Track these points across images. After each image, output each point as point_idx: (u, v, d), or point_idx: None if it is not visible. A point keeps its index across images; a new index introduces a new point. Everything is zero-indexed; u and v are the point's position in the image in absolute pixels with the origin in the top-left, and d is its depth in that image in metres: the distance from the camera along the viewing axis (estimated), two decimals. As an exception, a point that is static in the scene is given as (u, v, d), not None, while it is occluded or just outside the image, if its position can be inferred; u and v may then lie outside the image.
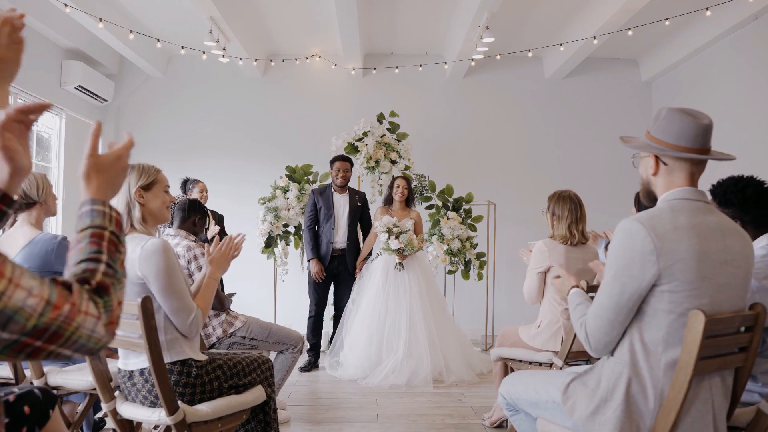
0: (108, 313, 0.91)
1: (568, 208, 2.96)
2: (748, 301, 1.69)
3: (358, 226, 5.05)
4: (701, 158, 1.61)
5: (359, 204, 4.95)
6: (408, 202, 4.88)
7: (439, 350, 4.45)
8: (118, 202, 2.03)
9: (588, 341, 1.65)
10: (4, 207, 1.03)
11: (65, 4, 4.31)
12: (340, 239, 4.84)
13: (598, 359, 1.72)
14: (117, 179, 1.12)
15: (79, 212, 1.02)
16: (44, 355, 0.85)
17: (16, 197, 1.04)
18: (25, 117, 1.03)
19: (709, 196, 2.10)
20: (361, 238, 5.11)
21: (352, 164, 4.96)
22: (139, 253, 1.95)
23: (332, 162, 4.89)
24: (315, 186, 5.40)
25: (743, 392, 1.79)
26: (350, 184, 5.02)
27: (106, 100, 6.17)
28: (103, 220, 1.02)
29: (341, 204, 4.86)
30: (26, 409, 1.46)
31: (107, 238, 1.00)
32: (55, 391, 2.31)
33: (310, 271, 4.86)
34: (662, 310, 1.53)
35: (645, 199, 1.74)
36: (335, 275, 4.91)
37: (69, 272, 0.96)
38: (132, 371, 2.05)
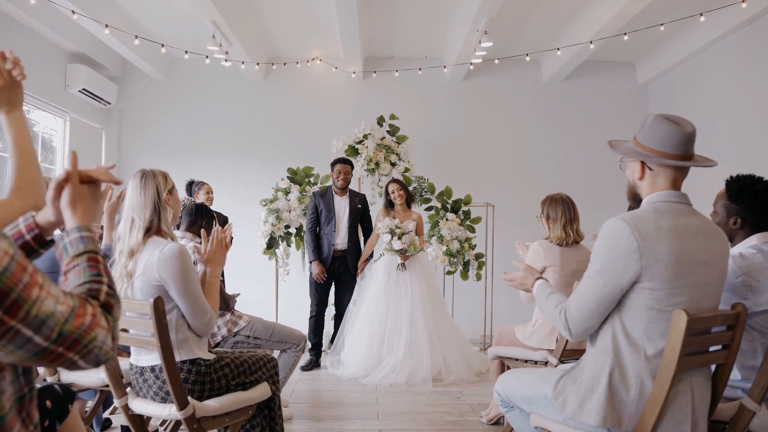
0: (115, 329, 1.00)
1: (561, 209, 3.06)
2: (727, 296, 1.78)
3: (359, 227, 5.13)
4: (684, 165, 1.70)
5: (359, 206, 5.02)
6: (408, 203, 4.94)
7: (439, 350, 4.53)
8: (145, 209, 2.12)
9: (568, 327, 1.74)
10: (36, 245, 1.16)
11: (73, 11, 4.40)
12: (341, 241, 4.92)
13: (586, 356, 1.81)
14: (97, 206, 1.20)
15: (68, 239, 1.10)
16: (62, 361, 0.93)
17: (49, 239, 1.16)
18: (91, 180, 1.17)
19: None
20: (362, 239, 5.19)
21: (352, 167, 5.03)
22: (157, 256, 2.04)
23: (333, 164, 4.97)
24: (316, 188, 5.49)
25: (726, 388, 1.89)
26: (350, 186, 5.10)
27: (109, 103, 6.25)
28: (94, 245, 1.11)
29: (342, 206, 4.94)
30: (48, 403, 1.55)
31: (102, 262, 1.09)
32: (67, 388, 2.40)
33: (311, 272, 4.94)
34: (642, 305, 1.63)
35: (630, 200, 1.84)
36: (336, 276, 4.98)
37: (72, 291, 1.03)
38: (143, 368, 2.14)
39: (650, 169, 1.73)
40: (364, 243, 5.15)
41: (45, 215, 1.16)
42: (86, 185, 1.17)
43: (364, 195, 5.21)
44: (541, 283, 1.95)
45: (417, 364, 4.41)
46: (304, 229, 5.14)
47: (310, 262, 4.95)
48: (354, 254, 4.98)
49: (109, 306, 1.01)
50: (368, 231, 5.12)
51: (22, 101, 1.47)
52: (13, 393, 0.98)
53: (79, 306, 0.93)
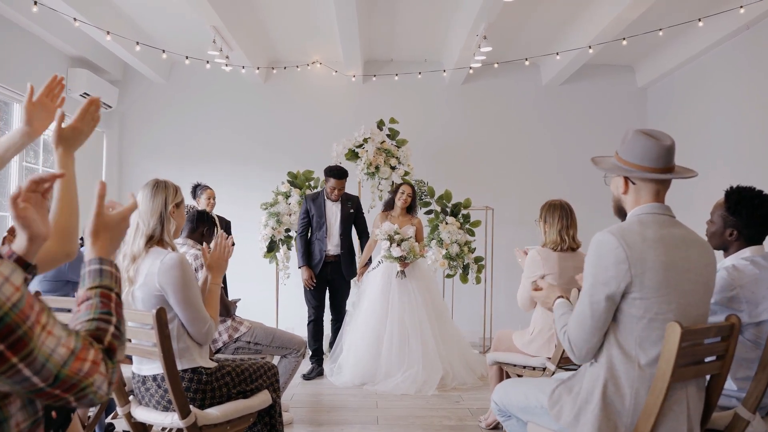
0: (113, 375, 0.99)
1: (558, 214, 3.11)
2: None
3: (355, 231, 5.01)
4: (665, 178, 1.74)
5: (352, 210, 4.87)
6: (410, 209, 4.84)
7: (445, 357, 4.47)
8: (151, 217, 2.17)
9: (572, 349, 1.78)
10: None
11: (75, 18, 4.42)
12: (334, 247, 4.78)
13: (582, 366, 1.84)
14: (120, 237, 1.20)
15: (88, 268, 1.11)
16: (58, 401, 0.92)
17: (34, 263, 1.14)
18: (40, 186, 1.13)
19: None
20: (357, 243, 5.09)
21: (347, 177, 4.82)
22: (158, 266, 2.07)
23: (326, 176, 4.77)
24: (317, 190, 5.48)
25: (721, 397, 1.91)
26: (351, 188, 5.04)
27: (110, 107, 6.28)
28: (111, 281, 1.11)
29: (333, 212, 4.80)
30: (53, 414, 1.58)
31: (114, 299, 1.09)
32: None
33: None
34: (634, 315, 1.66)
35: (616, 214, 1.87)
36: (330, 282, 4.84)
37: (81, 326, 1.03)
38: (145, 376, 2.17)
39: (633, 184, 1.78)
40: (360, 246, 5.07)
41: (19, 241, 1.14)
42: (112, 216, 1.17)
43: (357, 198, 5.07)
44: (559, 303, 1.99)
45: (429, 374, 4.33)
46: (295, 233, 5.02)
47: (299, 268, 4.84)
48: (348, 259, 4.85)
49: (112, 350, 1.00)
50: (363, 233, 5.02)
51: (78, 147, 1.50)
52: (25, 418, 0.98)
53: (81, 349, 0.93)
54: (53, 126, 1.44)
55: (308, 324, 4.86)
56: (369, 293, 4.69)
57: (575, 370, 1.92)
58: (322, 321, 4.90)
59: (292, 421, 3.57)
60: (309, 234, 4.88)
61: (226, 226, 5.12)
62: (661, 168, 1.73)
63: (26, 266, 1.15)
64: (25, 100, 1.50)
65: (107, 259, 1.13)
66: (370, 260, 5.03)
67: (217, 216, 4.90)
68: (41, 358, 0.86)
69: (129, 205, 1.22)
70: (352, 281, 4.99)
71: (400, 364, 4.38)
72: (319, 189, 5.52)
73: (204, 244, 2.98)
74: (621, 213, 1.85)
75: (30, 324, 0.86)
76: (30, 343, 0.85)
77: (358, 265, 4.98)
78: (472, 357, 4.83)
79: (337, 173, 4.73)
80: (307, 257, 4.80)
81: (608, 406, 1.66)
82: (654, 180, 1.74)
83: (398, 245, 4.52)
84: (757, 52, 4.91)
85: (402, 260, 4.55)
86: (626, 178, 1.78)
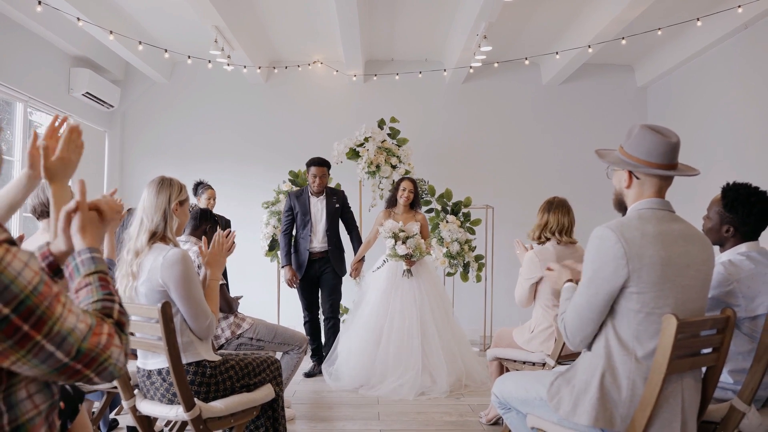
0: (127, 346, 1.07)
1: (547, 203, 3.22)
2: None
3: (343, 225, 4.89)
4: (669, 174, 1.78)
5: (337, 206, 4.73)
6: (413, 204, 4.71)
7: (459, 358, 4.34)
8: (155, 213, 2.21)
9: (566, 335, 1.83)
10: (50, 273, 1.22)
11: (78, 18, 4.46)
12: (319, 244, 4.68)
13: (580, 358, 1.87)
14: (104, 231, 1.28)
15: (80, 258, 1.17)
16: (80, 377, 0.98)
17: (63, 267, 1.23)
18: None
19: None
20: (347, 238, 4.93)
21: (329, 167, 4.70)
22: (161, 262, 2.10)
23: (308, 166, 4.68)
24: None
25: (717, 389, 1.95)
26: (351, 187, 5.03)
27: (112, 106, 6.30)
28: (104, 266, 1.18)
29: (318, 208, 4.69)
30: (62, 404, 1.61)
31: (110, 282, 1.16)
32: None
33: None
34: (632, 309, 1.70)
35: (616, 208, 1.90)
36: (318, 278, 4.74)
37: (87, 307, 1.09)
38: (150, 371, 2.20)
39: (637, 178, 1.80)
40: (352, 242, 4.92)
41: (57, 245, 1.22)
42: (94, 212, 1.24)
43: (342, 192, 4.90)
44: (566, 287, 2.03)
45: (433, 378, 4.17)
46: (279, 231, 4.91)
47: (282, 267, 4.75)
48: (337, 255, 4.73)
49: (122, 324, 1.08)
50: (352, 229, 4.90)
51: (70, 177, 1.54)
52: (43, 400, 1.04)
53: (96, 325, 1.00)
54: (42, 161, 1.48)
55: (304, 324, 4.81)
56: (371, 295, 4.54)
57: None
58: (318, 320, 4.86)
59: (294, 417, 3.60)
60: (294, 232, 4.79)
61: (225, 224, 5.15)
62: (666, 164, 1.76)
63: (57, 271, 1.23)
64: (29, 145, 1.54)
65: (95, 249, 1.19)
66: (363, 257, 4.91)
67: (217, 215, 4.92)
68: (63, 332, 0.93)
69: (115, 205, 1.29)
70: (351, 280, 4.93)
71: (395, 367, 4.22)
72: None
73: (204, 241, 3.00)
74: (621, 207, 1.88)
75: (48, 303, 0.92)
76: (49, 320, 0.92)
77: (351, 261, 4.85)
78: (477, 356, 4.77)
79: (317, 161, 4.64)
80: (290, 257, 4.72)
81: (605, 396, 1.70)
82: (658, 176, 1.77)
83: (403, 243, 4.37)
84: (755, 51, 4.95)
85: (408, 258, 4.39)
86: (630, 173, 1.81)
